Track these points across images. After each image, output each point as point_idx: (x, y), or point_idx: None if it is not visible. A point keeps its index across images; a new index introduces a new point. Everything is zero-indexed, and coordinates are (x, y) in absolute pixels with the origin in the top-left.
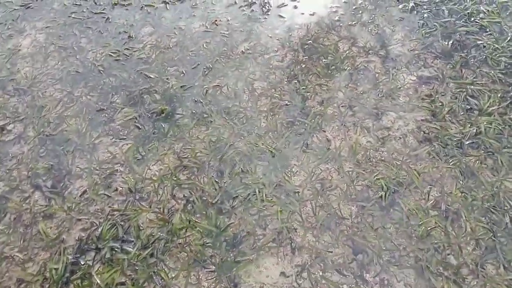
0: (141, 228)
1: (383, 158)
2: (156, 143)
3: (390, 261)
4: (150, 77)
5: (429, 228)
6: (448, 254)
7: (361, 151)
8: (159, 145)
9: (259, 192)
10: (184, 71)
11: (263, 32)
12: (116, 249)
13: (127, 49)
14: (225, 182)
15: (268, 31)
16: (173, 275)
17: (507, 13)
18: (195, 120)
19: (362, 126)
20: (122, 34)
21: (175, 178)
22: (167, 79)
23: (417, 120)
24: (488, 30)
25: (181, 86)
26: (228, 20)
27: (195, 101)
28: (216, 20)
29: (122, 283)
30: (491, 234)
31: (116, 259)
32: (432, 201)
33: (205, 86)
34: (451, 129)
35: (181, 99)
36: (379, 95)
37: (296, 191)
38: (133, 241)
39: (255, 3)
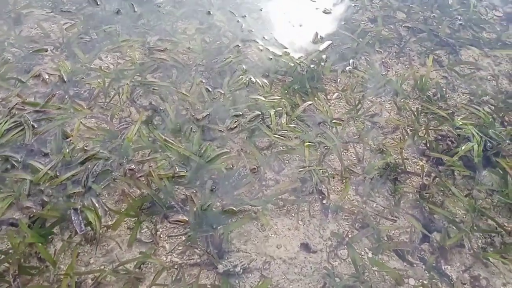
0: (68, 137)
1: (465, 101)
2: (117, 26)
3: (488, 249)
4: None
5: None
6: None
7: (432, 87)
8: (122, 31)
9: (275, 115)
10: None
11: None
12: (14, 163)
13: None
14: (221, 94)
15: None
16: (110, 222)
17: None
18: (184, 9)
19: (432, 57)
20: None
21: (139, 77)
22: None
23: None
24: None
25: None
26: None
27: None
28: None
29: (12, 223)
30: None
31: (11, 180)
32: None
33: None
34: None
35: None
36: (455, 25)
37: (335, 122)
38: (47, 154)
39: None
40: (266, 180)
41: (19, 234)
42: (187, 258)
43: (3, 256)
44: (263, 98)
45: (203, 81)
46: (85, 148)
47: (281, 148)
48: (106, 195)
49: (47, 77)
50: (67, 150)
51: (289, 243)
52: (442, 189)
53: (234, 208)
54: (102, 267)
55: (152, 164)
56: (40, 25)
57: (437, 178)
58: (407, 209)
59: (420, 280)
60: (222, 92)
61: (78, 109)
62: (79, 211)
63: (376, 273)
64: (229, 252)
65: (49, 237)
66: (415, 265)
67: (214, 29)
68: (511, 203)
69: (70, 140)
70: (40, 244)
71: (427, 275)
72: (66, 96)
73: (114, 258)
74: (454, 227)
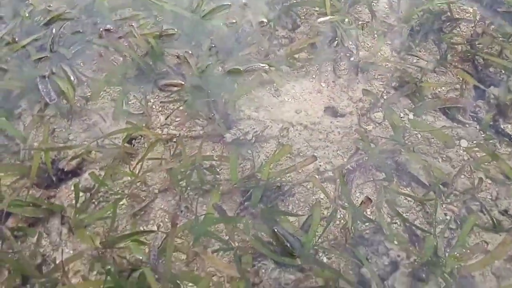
0: None
1: None
2: None
3: None
4: None
5: None
6: None
7: None
8: None
9: None
10: None
11: None
12: None
13: None
14: None
15: None
16: (89, 94)
17: None
18: None
19: None
20: None
21: None
22: None
23: None
24: None
25: None
26: None
27: None
28: None
29: None
30: None
31: None
32: None
33: None
34: None
35: None
36: None
37: None
38: (1, 17)
39: None
40: (278, 38)
41: None
42: (187, 130)
43: None
44: None
45: None
46: (48, 8)
47: (295, 0)
48: (81, 64)
49: None
50: (26, 13)
51: (310, 108)
52: (500, 36)
53: (240, 68)
54: (85, 143)
55: (133, 23)
56: None
57: (493, 25)
58: (455, 63)
59: (474, 141)
60: None
61: None
62: (47, 79)
63: (419, 135)
64: (238, 120)
65: (17, 111)
66: (467, 125)
67: None
68: None
69: (29, 1)
70: (3, 119)
71: (483, 135)
72: None
73: (98, 133)
74: None
